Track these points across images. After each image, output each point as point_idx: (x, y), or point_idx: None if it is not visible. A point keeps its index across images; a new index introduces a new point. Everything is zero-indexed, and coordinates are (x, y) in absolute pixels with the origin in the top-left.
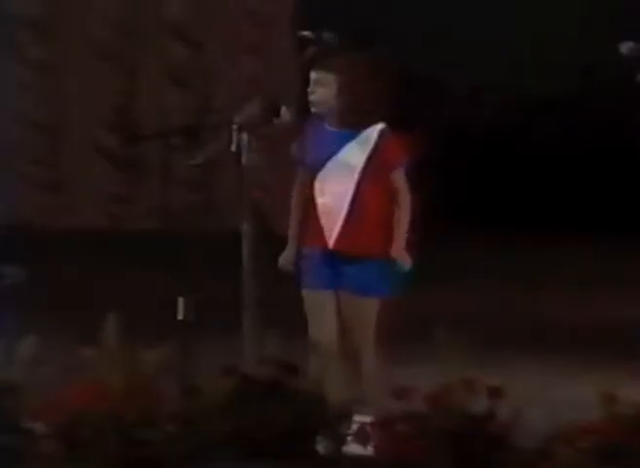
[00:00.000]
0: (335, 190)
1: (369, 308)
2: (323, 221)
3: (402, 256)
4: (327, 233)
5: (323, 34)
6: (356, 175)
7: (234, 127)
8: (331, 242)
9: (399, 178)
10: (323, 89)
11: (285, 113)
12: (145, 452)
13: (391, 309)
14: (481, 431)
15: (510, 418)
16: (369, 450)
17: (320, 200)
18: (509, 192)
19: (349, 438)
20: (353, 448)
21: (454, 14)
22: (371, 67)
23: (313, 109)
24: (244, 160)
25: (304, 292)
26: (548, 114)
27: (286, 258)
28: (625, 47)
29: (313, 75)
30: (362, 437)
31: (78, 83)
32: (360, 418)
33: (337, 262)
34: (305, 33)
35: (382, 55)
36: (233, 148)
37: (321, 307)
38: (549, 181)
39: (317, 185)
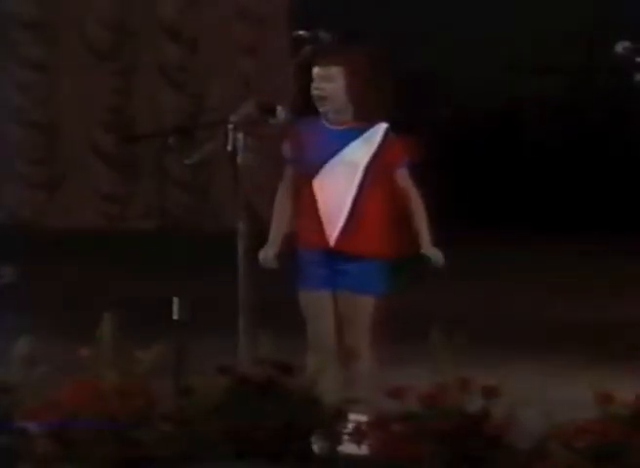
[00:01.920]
0: (336, 188)
1: (365, 306)
2: (323, 220)
3: (433, 252)
4: (327, 232)
5: (319, 33)
6: (359, 174)
7: (230, 126)
8: (332, 241)
9: (405, 177)
10: (331, 84)
11: (280, 113)
12: (140, 452)
13: (388, 308)
14: (477, 431)
15: (506, 418)
16: (364, 450)
17: (321, 198)
18: (508, 192)
19: (345, 437)
20: (348, 447)
21: (453, 14)
22: (373, 61)
23: (322, 107)
24: (240, 160)
25: (301, 293)
26: (547, 114)
27: (266, 255)
28: (620, 46)
29: (318, 71)
30: (357, 437)
31: (75, 83)
32: (355, 417)
33: (334, 261)
34: (301, 32)
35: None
36: (229, 148)
37: (319, 307)
38: (549, 182)
39: (317, 184)
